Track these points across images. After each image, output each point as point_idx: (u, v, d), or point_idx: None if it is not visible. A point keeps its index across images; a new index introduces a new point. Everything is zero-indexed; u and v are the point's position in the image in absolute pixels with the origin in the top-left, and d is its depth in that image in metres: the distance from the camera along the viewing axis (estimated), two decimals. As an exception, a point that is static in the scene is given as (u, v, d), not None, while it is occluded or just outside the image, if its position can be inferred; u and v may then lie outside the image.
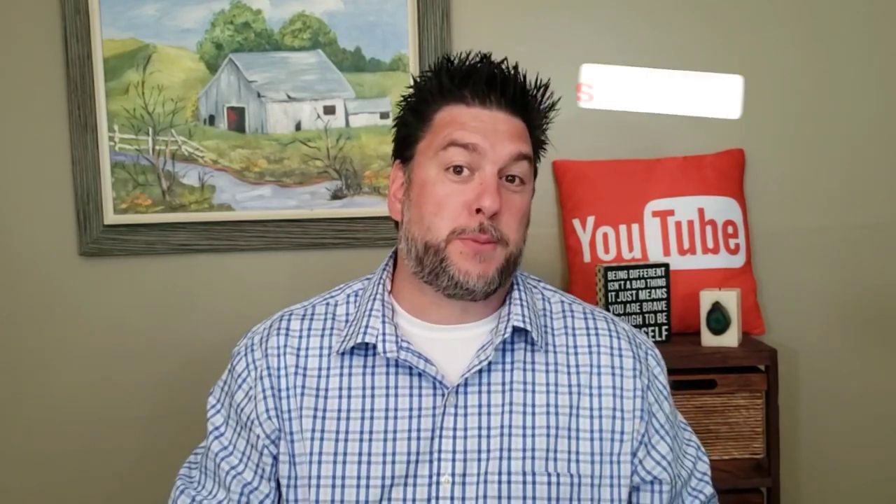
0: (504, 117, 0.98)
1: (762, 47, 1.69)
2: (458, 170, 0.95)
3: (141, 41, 1.66)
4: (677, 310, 1.60)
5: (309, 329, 1.02)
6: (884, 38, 1.70)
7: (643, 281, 1.56)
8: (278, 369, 1.00)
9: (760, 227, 1.71)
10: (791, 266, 1.72)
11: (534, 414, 0.97)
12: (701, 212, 1.65)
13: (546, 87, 1.03)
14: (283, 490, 0.99)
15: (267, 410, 0.99)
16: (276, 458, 1.00)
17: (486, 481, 0.94)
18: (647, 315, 1.57)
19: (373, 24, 1.67)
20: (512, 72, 0.99)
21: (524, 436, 0.96)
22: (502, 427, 0.96)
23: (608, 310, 1.54)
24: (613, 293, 1.56)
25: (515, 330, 0.98)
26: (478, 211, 0.94)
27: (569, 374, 1.00)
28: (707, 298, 1.54)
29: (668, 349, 1.54)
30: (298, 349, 1.01)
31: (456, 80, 0.98)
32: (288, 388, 0.99)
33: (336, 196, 1.69)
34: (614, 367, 1.01)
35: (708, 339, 1.55)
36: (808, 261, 1.72)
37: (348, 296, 1.06)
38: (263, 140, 1.68)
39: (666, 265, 1.58)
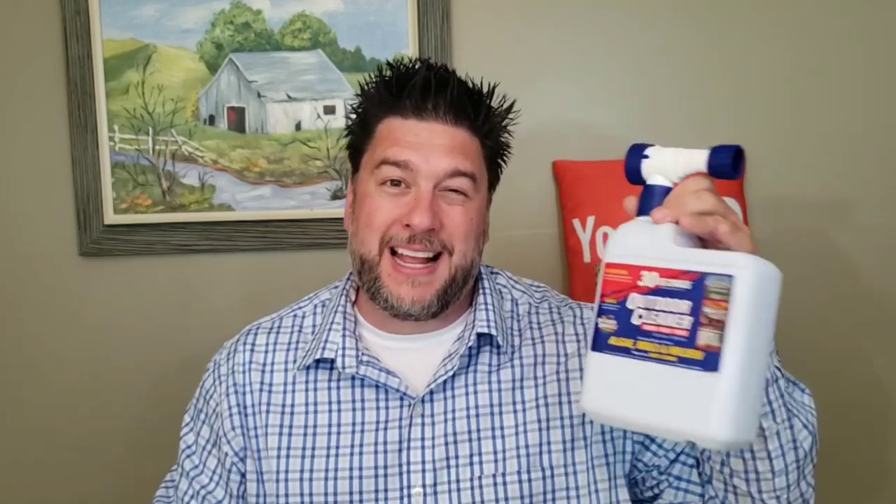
0: (442, 129, 0.92)
1: (762, 47, 1.69)
2: (395, 182, 0.92)
3: (141, 41, 1.66)
4: (677, 310, 1.60)
5: (275, 343, 1.00)
6: (883, 38, 1.70)
7: (643, 281, 1.56)
8: (244, 385, 0.98)
9: (760, 227, 1.71)
10: (791, 266, 1.72)
11: (501, 413, 0.94)
12: (701, 212, 1.64)
13: (492, 91, 0.96)
14: None
15: (233, 428, 0.97)
16: (244, 475, 0.97)
17: (458, 489, 0.91)
18: (646, 315, 1.57)
19: (373, 24, 1.67)
20: (451, 78, 0.93)
21: (493, 437, 0.93)
22: (469, 431, 0.93)
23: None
24: (613, 293, 1.55)
25: (480, 335, 0.96)
26: (407, 226, 0.90)
27: (535, 365, 0.97)
28: (707, 298, 1.54)
29: (667, 349, 1.55)
30: (264, 364, 0.99)
31: (392, 89, 0.93)
32: (254, 405, 0.97)
33: (336, 196, 1.69)
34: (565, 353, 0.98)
35: (708, 339, 1.54)
36: (807, 261, 1.72)
37: (315, 306, 1.04)
38: (263, 140, 1.68)
39: (666, 265, 1.58)
